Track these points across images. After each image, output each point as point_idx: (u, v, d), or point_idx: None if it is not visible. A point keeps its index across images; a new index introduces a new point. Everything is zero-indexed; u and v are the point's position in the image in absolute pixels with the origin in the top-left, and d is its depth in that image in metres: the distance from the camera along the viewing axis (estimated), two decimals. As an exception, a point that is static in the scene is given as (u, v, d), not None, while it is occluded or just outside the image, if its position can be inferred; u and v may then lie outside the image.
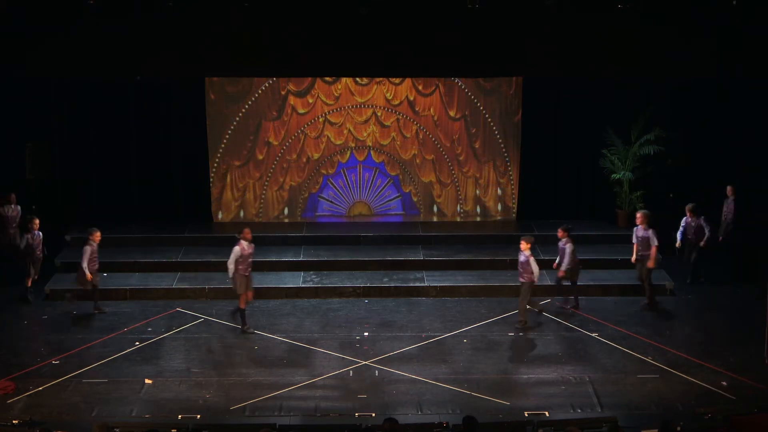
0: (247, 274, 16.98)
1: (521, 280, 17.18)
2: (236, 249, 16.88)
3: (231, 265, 16.89)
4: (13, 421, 13.73)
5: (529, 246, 17.23)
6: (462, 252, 19.85)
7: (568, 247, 17.80)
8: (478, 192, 21.65)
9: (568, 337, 17.19)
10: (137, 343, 16.74)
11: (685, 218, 19.00)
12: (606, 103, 20.83)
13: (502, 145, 21.42)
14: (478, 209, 21.73)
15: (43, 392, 15.06)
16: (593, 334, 17.24)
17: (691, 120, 20.45)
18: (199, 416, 14.42)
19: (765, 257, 18.57)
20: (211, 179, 21.28)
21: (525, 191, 21.53)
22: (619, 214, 21.20)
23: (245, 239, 16.99)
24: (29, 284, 18.29)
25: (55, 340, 16.90)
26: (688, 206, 19.04)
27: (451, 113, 21.28)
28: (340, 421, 14.28)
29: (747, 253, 19.40)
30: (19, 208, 19.27)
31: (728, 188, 19.60)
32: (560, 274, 17.88)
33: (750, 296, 18.12)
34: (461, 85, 21.16)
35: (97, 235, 17.66)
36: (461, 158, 21.48)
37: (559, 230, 18.01)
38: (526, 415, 14.46)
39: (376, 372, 15.98)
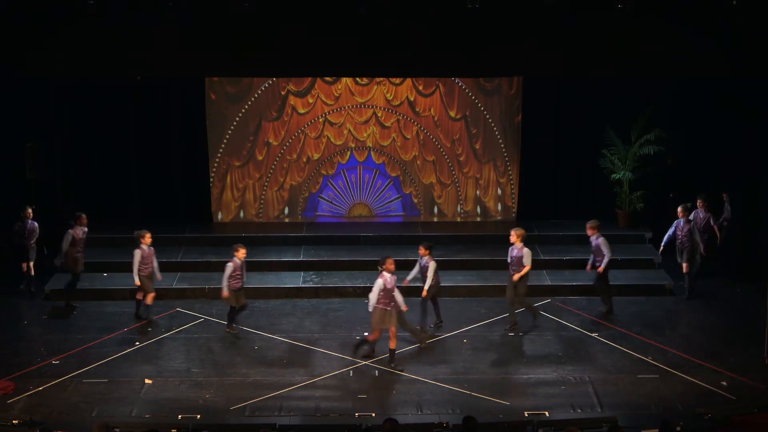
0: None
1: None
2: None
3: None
4: (13, 421, 13.73)
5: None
6: (462, 252, 19.86)
7: (431, 265, 16.99)
8: (478, 192, 21.65)
9: (568, 337, 17.20)
10: (137, 343, 16.74)
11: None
12: (606, 103, 20.82)
13: (503, 146, 21.42)
14: (479, 209, 21.73)
15: (43, 392, 15.06)
16: (593, 334, 17.26)
17: (691, 120, 20.44)
18: (199, 416, 14.43)
19: (765, 257, 18.59)
20: (211, 179, 21.28)
21: (525, 191, 21.53)
22: (619, 214, 21.21)
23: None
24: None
25: (55, 340, 16.90)
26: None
27: (452, 113, 21.28)
28: (340, 421, 14.29)
29: (747, 253, 19.42)
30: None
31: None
32: (423, 294, 16.98)
33: (750, 296, 18.12)
34: (462, 86, 21.16)
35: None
36: (461, 158, 21.48)
37: (421, 247, 17.20)
38: (526, 415, 14.47)
39: (376, 372, 15.98)
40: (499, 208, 21.70)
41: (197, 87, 20.86)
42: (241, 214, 21.45)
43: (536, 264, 19.53)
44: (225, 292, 16.86)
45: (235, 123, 21.08)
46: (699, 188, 20.30)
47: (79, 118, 20.61)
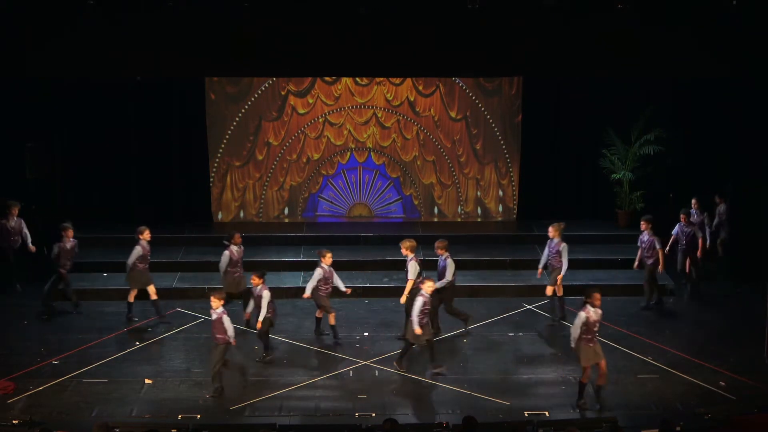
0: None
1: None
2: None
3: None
4: (13, 421, 13.74)
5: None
6: (462, 252, 19.83)
7: (266, 294, 16.15)
8: (479, 193, 21.65)
9: (568, 337, 17.15)
10: (137, 343, 16.74)
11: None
12: (606, 103, 20.83)
13: (503, 146, 21.42)
14: (479, 210, 21.73)
15: (43, 392, 15.06)
16: (593, 334, 17.23)
17: (691, 120, 20.44)
18: (199, 416, 14.42)
19: (765, 257, 18.59)
20: (211, 179, 21.28)
21: (525, 191, 21.53)
22: (619, 214, 21.21)
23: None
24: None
25: (55, 340, 16.90)
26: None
27: (452, 114, 21.28)
28: (340, 421, 14.29)
29: (747, 253, 19.41)
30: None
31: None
32: (258, 326, 16.25)
33: (750, 296, 18.12)
34: (462, 86, 21.15)
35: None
36: (462, 159, 21.48)
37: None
38: (526, 415, 14.48)
39: (376, 372, 15.98)
40: (500, 209, 21.70)
41: (197, 87, 20.86)
42: (241, 215, 21.45)
43: (536, 264, 19.55)
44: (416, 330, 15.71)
45: (235, 123, 21.08)
46: (699, 188, 20.33)
47: (79, 118, 20.59)
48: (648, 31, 17.29)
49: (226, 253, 17.34)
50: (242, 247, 17.57)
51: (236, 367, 15.47)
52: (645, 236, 18.13)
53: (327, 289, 16.84)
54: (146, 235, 17.57)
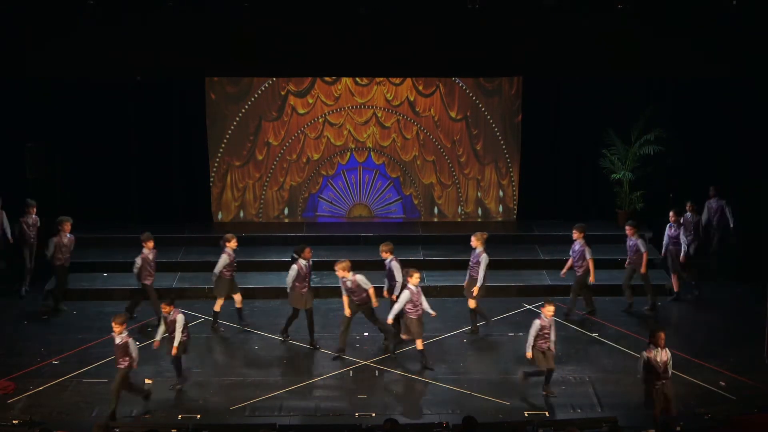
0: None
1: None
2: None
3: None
4: (13, 421, 13.75)
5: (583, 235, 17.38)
6: (462, 252, 19.79)
7: (179, 318, 15.47)
8: (479, 194, 21.64)
9: (568, 337, 17.19)
10: (137, 343, 16.71)
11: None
12: (606, 103, 20.81)
13: (504, 146, 21.41)
14: (479, 211, 21.72)
15: (43, 392, 15.06)
16: (593, 334, 17.25)
17: (691, 120, 20.43)
18: (199, 416, 14.43)
19: (765, 257, 18.59)
20: (212, 179, 21.27)
21: (525, 191, 21.52)
22: (619, 214, 21.20)
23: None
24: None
25: (55, 340, 16.90)
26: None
27: (452, 114, 21.27)
28: (340, 421, 14.29)
29: (747, 253, 19.42)
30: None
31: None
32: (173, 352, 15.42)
33: (750, 296, 18.13)
34: (462, 86, 21.14)
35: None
36: (462, 159, 21.47)
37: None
38: (526, 415, 14.48)
39: (376, 372, 15.98)
40: (500, 209, 21.70)
41: (197, 87, 20.84)
42: (241, 214, 21.45)
43: (537, 264, 19.62)
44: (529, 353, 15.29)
45: (235, 123, 21.08)
46: (699, 188, 20.34)
47: (79, 118, 20.58)
48: (648, 31, 17.30)
49: (295, 267, 16.67)
50: (311, 262, 16.92)
51: (140, 389, 14.99)
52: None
53: (417, 311, 15.86)
54: (233, 243, 17.34)
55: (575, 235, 17.87)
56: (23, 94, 19.72)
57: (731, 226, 19.49)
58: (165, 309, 15.28)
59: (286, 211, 21.57)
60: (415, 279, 15.82)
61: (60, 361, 16.03)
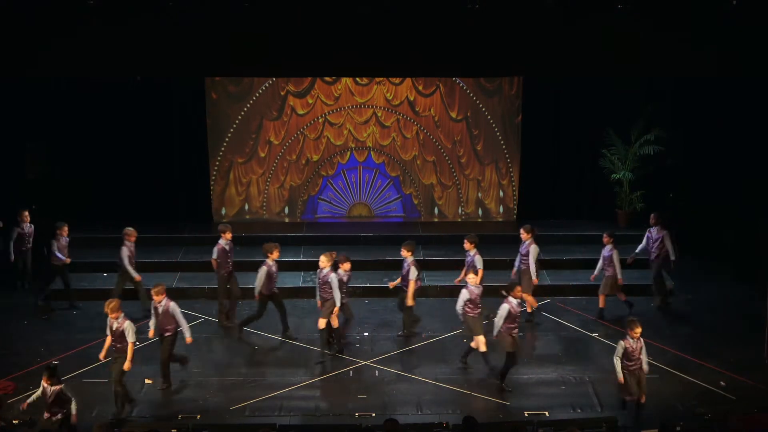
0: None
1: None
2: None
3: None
4: (14, 421, 13.73)
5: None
6: (462, 252, 19.81)
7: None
8: (480, 194, 21.64)
9: (568, 337, 17.20)
10: (137, 343, 16.70)
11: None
12: (606, 103, 20.82)
13: (504, 146, 21.41)
14: (480, 212, 21.73)
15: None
16: (593, 334, 17.26)
17: (691, 120, 20.43)
18: (199, 416, 14.43)
19: (765, 257, 18.59)
20: (212, 178, 21.28)
21: (525, 191, 21.53)
22: (619, 214, 21.21)
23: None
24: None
25: (55, 340, 16.90)
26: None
27: (453, 114, 21.27)
28: (340, 421, 14.30)
29: (747, 253, 19.42)
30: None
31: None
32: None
33: (750, 296, 18.13)
34: (462, 86, 21.15)
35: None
36: (463, 160, 21.48)
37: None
38: (526, 415, 14.49)
39: (376, 372, 15.98)
40: (500, 209, 21.70)
41: (197, 87, 20.86)
42: (246, 207, 21.47)
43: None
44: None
45: (237, 120, 21.10)
46: (699, 188, 20.34)
47: (79, 118, 20.59)
48: (648, 31, 17.28)
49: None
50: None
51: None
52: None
53: (514, 328, 15.43)
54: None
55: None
56: (23, 94, 19.72)
57: (672, 258, 18.16)
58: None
59: (286, 210, 21.59)
60: (517, 293, 15.48)
61: (60, 361, 16.01)
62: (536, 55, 17.75)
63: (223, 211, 21.45)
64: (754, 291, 17.80)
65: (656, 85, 20.74)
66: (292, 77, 20.74)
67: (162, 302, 15.18)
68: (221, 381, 15.61)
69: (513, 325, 15.27)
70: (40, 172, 20.15)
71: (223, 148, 21.18)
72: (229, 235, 17.58)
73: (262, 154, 21.28)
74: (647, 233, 18.47)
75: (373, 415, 14.45)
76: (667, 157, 20.72)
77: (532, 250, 17.44)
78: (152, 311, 15.35)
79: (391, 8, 16.89)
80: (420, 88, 21.16)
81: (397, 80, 21.04)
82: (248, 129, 21.14)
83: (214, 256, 17.50)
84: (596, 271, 17.95)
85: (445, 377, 15.73)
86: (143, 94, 20.53)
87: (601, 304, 17.78)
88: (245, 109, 21.06)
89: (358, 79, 20.98)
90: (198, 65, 18.11)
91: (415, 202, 21.65)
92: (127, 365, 14.41)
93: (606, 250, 17.75)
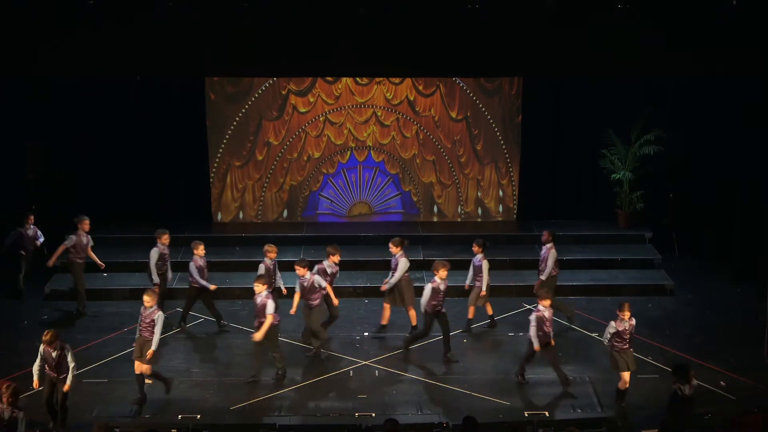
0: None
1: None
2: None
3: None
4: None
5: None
6: (462, 252, 19.81)
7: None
8: (479, 194, 21.65)
9: (568, 337, 17.20)
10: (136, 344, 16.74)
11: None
12: (606, 103, 20.82)
13: (504, 146, 21.41)
14: (479, 211, 21.73)
15: (43, 392, 15.04)
16: (593, 334, 17.25)
17: (691, 120, 20.43)
18: (199, 416, 14.43)
19: (765, 257, 18.59)
20: (212, 179, 21.28)
21: (525, 191, 21.53)
22: (619, 214, 21.21)
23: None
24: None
25: (55, 340, 16.88)
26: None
27: (453, 114, 21.27)
28: (340, 421, 14.30)
29: (747, 254, 19.42)
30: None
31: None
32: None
33: (750, 296, 18.14)
34: (462, 86, 21.15)
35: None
36: (462, 160, 21.48)
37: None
38: (526, 415, 14.49)
39: (376, 372, 15.98)
40: (500, 209, 21.70)
41: (197, 87, 20.85)
42: (241, 216, 21.44)
43: (536, 264, 19.53)
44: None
45: (235, 123, 21.08)
46: (699, 188, 20.33)
47: (79, 118, 20.59)
48: (648, 31, 17.29)
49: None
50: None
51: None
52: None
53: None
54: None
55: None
56: (23, 94, 19.72)
57: (542, 278, 17.42)
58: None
59: (285, 213, 21.58)
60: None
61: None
62: (536, 55, 17.75)
63: (219, 216, 21.42)
64: (754, 291, 17.81)
65: (656, 85, 20.74)
66: (292, 77, 20.73)
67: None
68: (221, 381, 15.60)
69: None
70: (40, 172, 20.14)
71: (220, 151, 21.16)
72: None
73: (260, 157, 21.24)
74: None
75: (373, 415, 14.45)
76: (667, 157, 20.65)
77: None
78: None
79: (391, 8, 16.89)
80: (420, 87, 21.17)
81: (397, 80, 21.04)
82: (246, 130, 21.12)
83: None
84: (468, 281, 17.43)
85: (445, 377, 15.73)
86: (143, 94, 20.52)
87: (470, 315, 17.39)
88: (244, 109, 21.05)
89: (358, 78, 20.98)
90: (198, 65, 18.11)
91: (414, 199, 21.65)
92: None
93: (476, 259, 17.18)
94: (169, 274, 17.80)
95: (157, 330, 14.75)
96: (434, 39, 17.32)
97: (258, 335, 15.25)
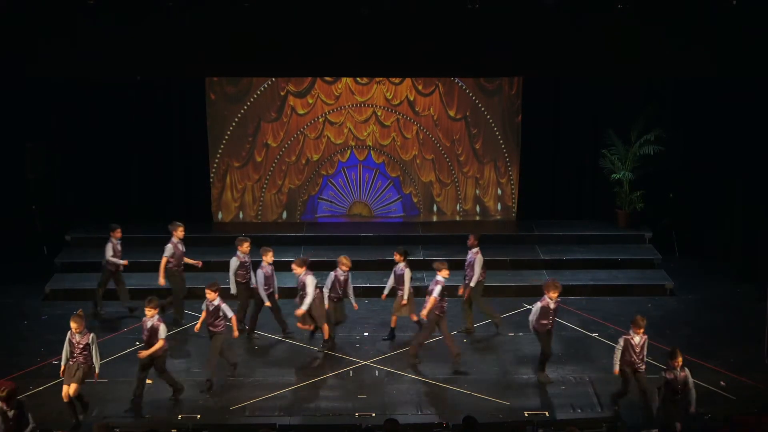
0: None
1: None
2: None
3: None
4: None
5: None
6: (462, 252, 19.75)
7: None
8: (478, 192, 21.65)
9: (568, 337, 17.21)
10: (137, 343, 16.71)
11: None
12: (606, 103, 20.83)
13: (503, 146, 21.42)
14: (478, 209, 21.73)
15: (43, 392, 15.07)
16: (593, 334, 17.26)
17: (691, 120, 20.43)
18: (199, 416, 14.43)
19: (765, 257, 18.59)
20: (211, 179, 21.28)
21: (525, 191, 21.52)
22: (619, 214, 21.20)
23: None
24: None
25: (55, 340, 16.84)
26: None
27: (452, 113, 21.27)
28: (340, 421, 14.30)
29: (747, 253, 19.42)
30: None
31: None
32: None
33: (750, 296, 18.14)
34: (462, 86, 21.15)
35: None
36: (462, 158, 21.48)
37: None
38: (526, 415, 14.49)
39: (376, 372, 15.99)
40: (499, 207, 21.71)
41: (197, 87, 20.85)
42: (240, 216, 21.44)
43: (537, 264, 19.61)
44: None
45: (234, 123, 21.08)
46: (699, 188, 20.33)
47: (79, 118, 20.59)
48: (648, 31, 17.29)
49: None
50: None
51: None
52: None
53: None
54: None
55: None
56: (23, 94, 19.71)
57: (471, 285, 17.10)
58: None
59: (284, 215, 21.57)
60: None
61: (59, 361, 16.00)
62: (536, 55, 17.76)
63: (220, 216, 21.43)
64: (754, 291, 17.81)
65: (656, 85, 20.74)
66: (292, 77, 20.72)
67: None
68: (221, 381, 15.59)
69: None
70: (40, 172, 20.14)
71: (220, 151, 21.16)
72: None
73: (259, 159, 21.24)
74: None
75: (373, 415, 14.45)
76: (667, 157, 20.65)
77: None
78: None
79: (391, 8, 16.90)
80: (420, 87, 21.17)
81: (397, 80, 21.04)
82: (245, 131, 21.12)
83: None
84: (386, 290, 17.21)
85: (445, 377, 15.73)
86: (143, 94, 20.53)
87: (392, 324, 17.15)
88: (243, 110, 21.04)
89: (358, 78, 20.98)
90: (198, 65, 18.11)
91: (415, 200, 21.65)
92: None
93: (398, 268, 16.86)
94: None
95: (95, 350, 14.33)
96: (434, 39, 17.32)
97: (144, 353, 14.77)
